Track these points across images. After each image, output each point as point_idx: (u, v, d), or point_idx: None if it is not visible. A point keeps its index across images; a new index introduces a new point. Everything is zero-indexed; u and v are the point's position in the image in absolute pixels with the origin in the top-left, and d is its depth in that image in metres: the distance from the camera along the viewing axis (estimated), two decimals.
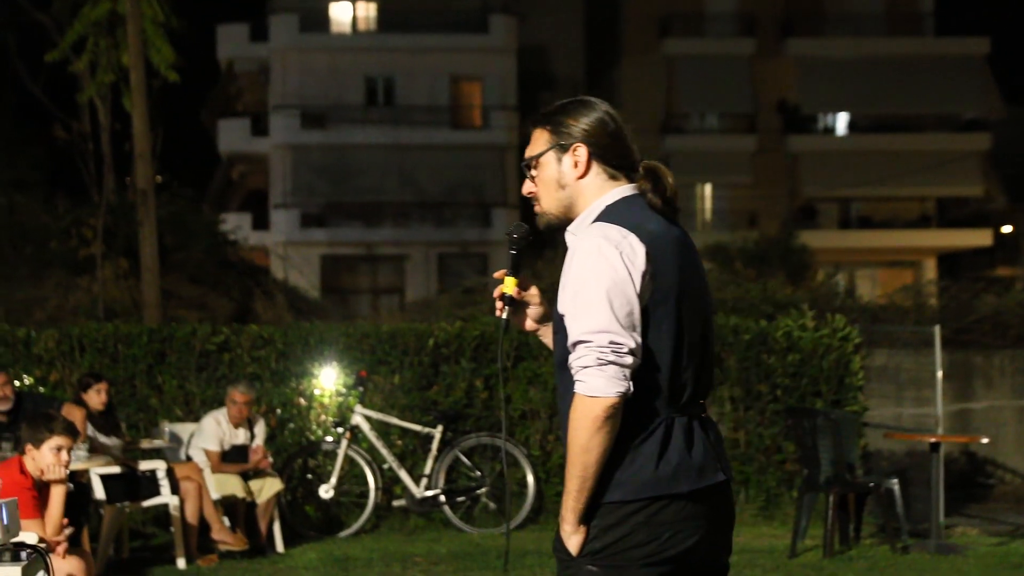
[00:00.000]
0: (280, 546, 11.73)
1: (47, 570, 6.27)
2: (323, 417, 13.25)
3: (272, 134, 44.35)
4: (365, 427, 12.87)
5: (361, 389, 13.01)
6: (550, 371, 13.33)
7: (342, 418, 13.05)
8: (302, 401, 13.25)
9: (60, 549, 7.38)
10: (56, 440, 7.55)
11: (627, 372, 3.63)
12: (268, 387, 13.11)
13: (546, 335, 4.13)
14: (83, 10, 21.48)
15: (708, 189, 46.95)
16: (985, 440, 13.49)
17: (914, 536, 12.03)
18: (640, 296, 3.68)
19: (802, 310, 14.12)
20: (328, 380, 13.25)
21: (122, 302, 21.37)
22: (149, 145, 18.39)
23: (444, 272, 42.83)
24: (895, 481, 11.68)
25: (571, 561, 3.79)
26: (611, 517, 3.72)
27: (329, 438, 13.05)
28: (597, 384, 3.61)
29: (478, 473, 13.09)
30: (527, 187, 4.03)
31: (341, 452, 12.78)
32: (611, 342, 3.62)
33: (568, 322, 3.73)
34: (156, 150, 19.80)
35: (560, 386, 3.86)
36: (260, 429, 11.98)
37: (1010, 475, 17.21)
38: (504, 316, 4.10)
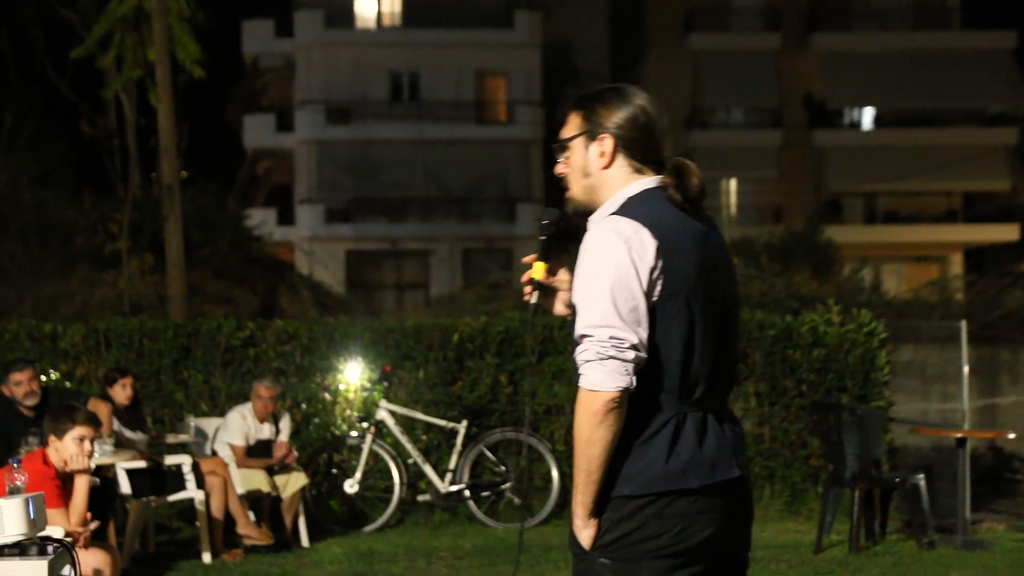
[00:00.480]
0: (305, 540, 11.75)
1: (73, 564, 6.30)
2: (348, 412, 13.27)
3: (297, 129, 44.42)
4: (390, 422, 12.88)
5: (386, 384, 13.02)
6: (575, 366, 13.30)
7: (367, 413, 13.07)
8: (327, 396, 13.27)
9: (82, 539, 7.40)
10: (79, 430, 7.58)
11: (629, 367, 3.64)
12: (293, 382, 13.14)
13: None
14: (109, 6, 21.51)
15: (733, 184, 46.85)
16: (1012, 435, 13.42)
17: (940, 532, 11.99)
18: (647, 292, 3.68)
19: (827, 305, 14.08)
20: (353, 375, 13.27)
21: (147, 297, 21.44)
22: (175, 141, 18.43)
23: (469, 267, 42.85)
24: (921, 476, 11.64)
25: (584, 555, 3.82)
26: (622, 511, 3.73)
27: (354, 433, 13.06)
28: (597, 378, 3.63)
29: (502, 468, 13.08)
30: (559, 168, 4.05)
31: (366, 447, 12.79)
32: (611, 337, 3.63)
33: (576, 314, 3.75)
34: (182, 146, 19.84)
35: (575, 376, 3.86)
36: (285, 424, 12.00)
37: None
38: (533, 301, 4.15)
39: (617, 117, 3.89)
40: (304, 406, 13.17)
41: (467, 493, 12.91)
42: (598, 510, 3.76)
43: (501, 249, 43.46)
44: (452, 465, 12.93)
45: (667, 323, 3.71)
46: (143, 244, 22.89)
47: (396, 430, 12.88)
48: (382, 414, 12.87)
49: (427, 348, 13.35)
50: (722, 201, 45.88)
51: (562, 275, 4.15)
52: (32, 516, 6.10)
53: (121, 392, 11.13)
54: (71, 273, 22.67)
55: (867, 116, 48.12)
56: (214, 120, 47.68)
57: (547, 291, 4.18)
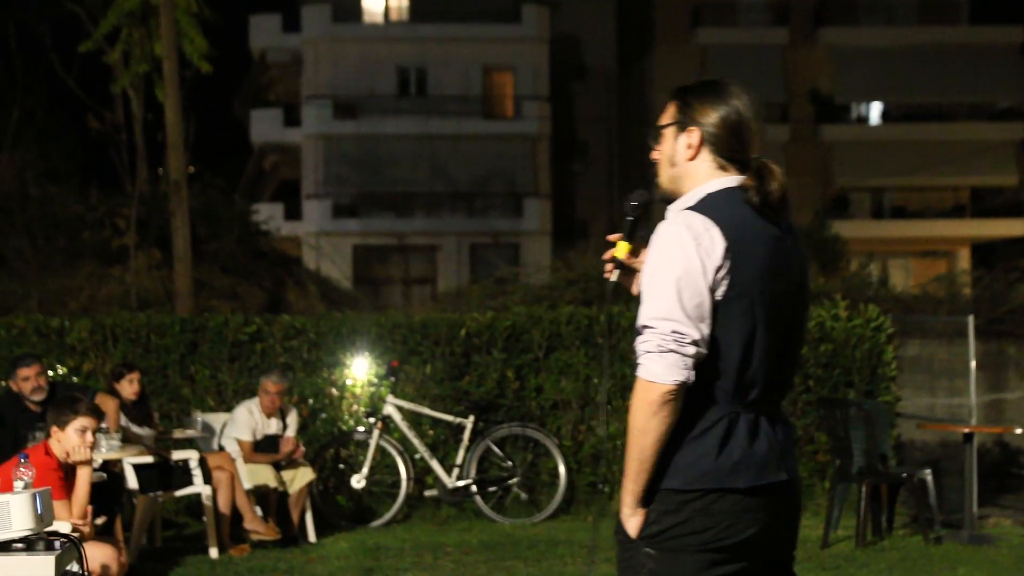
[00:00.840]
0: (312, 536, 11.76)
1: (80, 559, 6.30)
2: (355, 407, 13.28)
3: (304, 124, 44.42)
4: (397, 417, 12.89)
5: (393, 379, 13.04)
6: (582, 361, 13.33)
7: (374, 408, 13.08)
8: (334, 391, 13.28)
9: (86, 531, 7.41)
10: (81, 421, 7.58)
11: (688, 362, 3.67)
12: (300, 377, 13.15)
13: None
14: (117, 0, 21.52)
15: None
16: (1019, 430, 13.41)
17: (947, 527, 11.99)
18: (712, 289, 3.71)
19: (835, 300, 14.07)
20: (360, 370, 13.27)
21: (155, 292, 21.44)
22: (182, 135, 18.44)
23: (476, 262, 42.84)
24: (928, 471, 11.64)
25: (630, 544, 3.84)
26: (669, 503, 3.76)
27: (361, 428, 13.07)
28: (656, 370, 3.66)
29: (509, 463, 13.09)
30: (655, 154, 4.08)
31: (373, 442, 12.80)
32: (674, 331, 3.66)
33: (641, 304, 3.78)
34: (189, 140, 19.85)
35: (635, 364, 3.89)
36: (292, 419, 12.01)
37: None
38: (612, 279, 4.20)
39: (709, 112, 3.93)
40: (311, 401, 13.18)
41: (474, 488, 12.92)
42: (646, 500, 3.79)
43: (508, 244, 43.45)
44: (459, 460, 12.94)
45: (730, 322, 3.74)
46: (150, 239, 22.89)
47: (403, 425, 12.89)
48: (389, 409, 12.88)
49: (434, 343, 13.36)
50: None
51: (644, 257, 4.16)
52: (39, 511, 6.11)
53: (128, 387, 11.13)
54: (78, 268, 22.67)
55: (874, 111, 48.06)
56: (221, 115, 47.79)
57: (627, 271, 4.21)
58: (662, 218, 3.89)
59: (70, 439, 7.58)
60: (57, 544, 6.15)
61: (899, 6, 46.68)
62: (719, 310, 3.73)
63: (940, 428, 14.08)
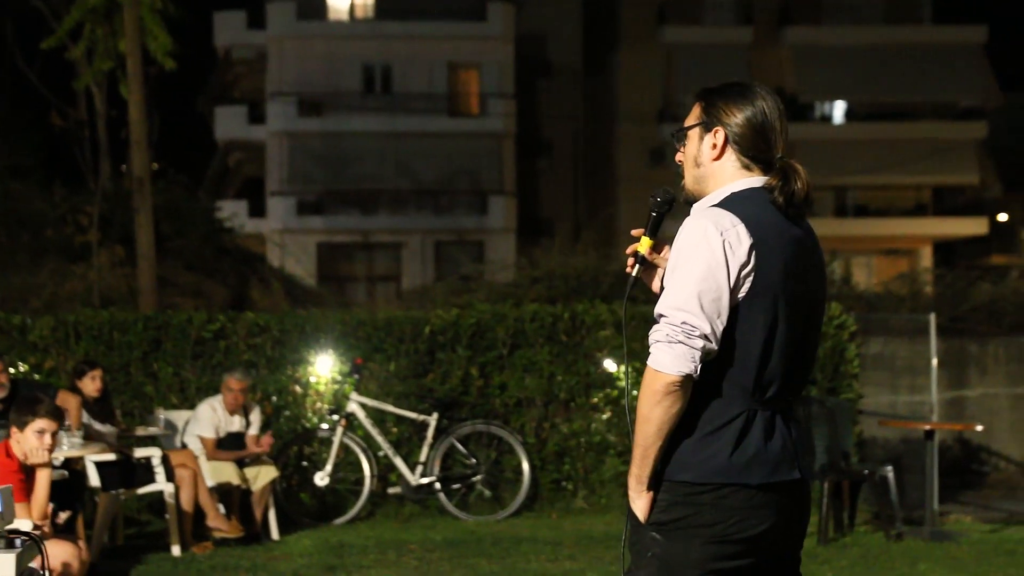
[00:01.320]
0: (275, 533, 11.75)
1: (42, 557, 6.28)
2: (319, 404, 13.26)
3: (269, 121, 44.31)
4: (360, 415, 12.88)
5: (357, 376, 13.03)
6: (546, 359, 13.36)
7: (338, 405, 13.07)
8: (298, 388, 13.26)
9: (46, 531, 7.38)
10: (40, 423, 7.55)
11: (696, 355, 3.69)
12: (264, 374, 13.13)
13: None
14: None
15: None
16: (979, 428, 13.51)
17: (908, 523, 12.06)
18: (733, 287, 3.74)
19: None
20: (324, 368, 13.26)
21: (118, 289, 21.35)
22: (145, 132, 18.37)
23: (441, 260, 42.83)
24: (889, 468, 11.71)
25: (639, 527, 3.88)
26: (680, 495, 3.81)
27: (324, 425, 13.06)
28: (663, 360, 3.70)
29: (473, 460, 13.11)
30: (678, 156, 4.12)
31: (336, 439, 12.79)
32: (684, 322, 3.70)
33: (662, 295, 3.82)
34: (153, 137, 19.80)
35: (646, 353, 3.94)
36: (255, 417, 12.00)
37: (1004, 462, 17.25)
38: (633, 274, 4.21)
39: (734, 113, 3.95)
40: (275, 398, 13.15)
41: (438, 486, 12.93)
42: (653, 485, 3.83)
43: (473, 242, 43.44)
44: (423, 458, 12.95)
45: (751, 320, 3.78)
46: (113, 236, 22.79)
47: (367, 423, 12.89)
48: (353, 407, 12.87)
49: (398, 341, 13.36)
50: None
51: (666, 254, 4.20)
52: (0, 509, 6.08)
53: (90, 384, 11.09)
54: (40, 265, 22.55)
55: (838, 110, 48.27)
56: (185, 112, 47.56)
57: (648, 267, 4.23)
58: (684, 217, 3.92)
59: (29, 441, 7.54)
60: (18, 542, 6.12)
61: (863, 6, 46.88)
62: (741, 307, 3.76)
63: (902, 425, 14.18)
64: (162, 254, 21.05)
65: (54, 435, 7.70)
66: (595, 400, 13.41)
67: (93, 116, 27.07)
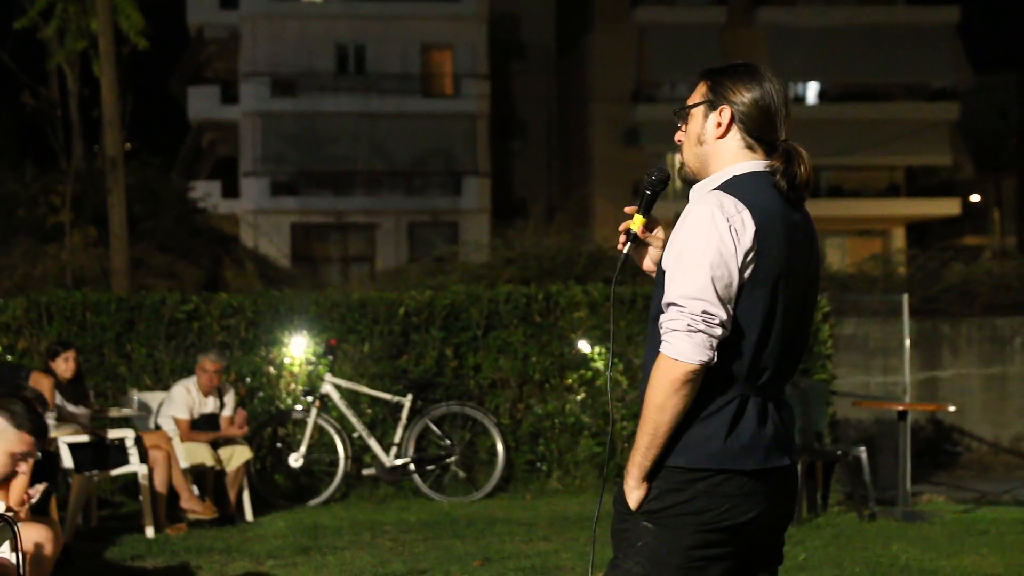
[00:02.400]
0: (249, 515, 11.73)
1: (15, 539, 6.26)
2: (293, 386, 13.24)
3: (242, 101, 44.14)
4: (335, 396, 12.87)
5: (331, 358, 13.01)
6: (520, 340, 13.37)
7: (312, 387, 13.05)
8: (272, 370, 13.24)
9: (21, 515, 7.35)
10: None
11: (714, 342, 3.69)
12: (238, 356, 13.10)
13: None
14: None
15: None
16: (952, 408, 13.56)
17: (881, 504, 12.11)
18: (740, 272, 3.73)
19: None
20: (298, 349, 13.24)
21: (91, 270, 21.28)
22: (118, 112, 18.28)
23: (414, 241, 42.78)
24: (862, 449, 11.75)
25: (628, 515, 3.86)
26: (673, 481, 3.79)
27: (299, 407, 13.05)
28: (683, 348, 3.67)
29: (448, 442, 13.11)
30: (678, 135, 4.11)
31: (311, 421, 12.78)
32: (704, 311, 3.68)
33: (667, 282, 3.78)
34: (125, 117, 19.66)
35: (650, 339, 3.90)
36: (230, 398, 11.98)
37: (976, 443, 17.34)
38: (625, 251, 4.18)
39: (742, 92, 3.94)
40: (249, 380, 13.14)
41: (412, 467, 12.94)
42: (650, 475, 3.81)
43: (447, 223, 43.40)
44: (397, 439, 12.95)
45: (752, 305, 3.77)
46: (86, 216, 22.72)
47: (341, 404, 12.88)
48: (327, 388, 12.86)
49: (372, 322, 13.34)
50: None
51: (658, 233, 4.19)
52: None
53: (64, 366, 11.06)
54: (12, 245, 22.47)
55: (811, 91, 48.31)
56: (158, 91, 47.35)
57: (640, 245, 4.22)
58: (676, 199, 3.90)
59: None
60: None
61: None
62: (743, 293, 3.75)
63: (875, 406, 14.23)
64: (135, 235, 21.00)
65: None
66: (569, 381, 13.42)
67: (65, 96, 26.93)
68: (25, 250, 22.17)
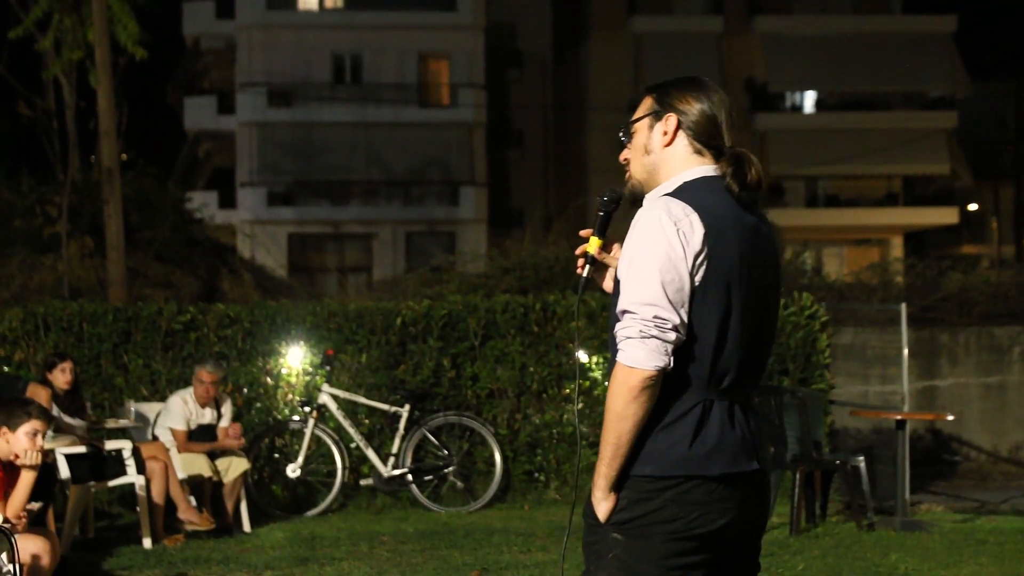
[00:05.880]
0: (247, 525, 11.71)
1: (12, 551, 6.24)
2: (290, 396, 13.22)
3: (238, 112, 44.16)
4: (332, 406, 12.85)
5: (328, 368, 12.99)
6: (518, 350, 13.35)
7: (309, 397, 13.03)
8: (269, 380, 13.22)
9: (19, 528, 7.34)
10: (33, 424, 7.52)
11: (668, 347, 3.66)
12: (235, 366, 13.08)
13: None
14: None
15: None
16: (950, 417, 13.57)
17: (880, 513, 12.09)
18: (691, 275, 3.71)
19: None
20: (295, 359, 13.22)
21: (87, 281, 21.26)
22: (114, 123, 18.26)
23: (412, 250, 42.77)
24: (861, 458, 11.73)
25: (598, 527, 3.84)
26: (641, 490, 3.76)
27: (296, 417, 13.03)
28: (637, 355, 3.65)
29: (445, 452, 13.09)
30: (623, 154, 4.08)
31: (308, 431, 12.76)
32: (656, 316, 3.65)
33: (621, 290, 3.77)
34: (121, 128, 19.65)
35: (612, 350, 3.86)
36: (227, 408, 11.96)
37: (975, 452, 17.33)
38: (584, 274, 4.17)
39: (686, 100, 3.94)
40: (246, 390, 13.12)
41: (410, 477, 12.91)
42: (617, 485, 3.78)
43: (444, 232, 43.39)
44: (395, 449, 12.93)
45: (706, 309, 3.74)
46: (82, 227, 22.69)
47: (338, 414, 12.86)
48: (324, 398, 12.84)
49: (369, 332, 13.33)
50: None
51: (616, 252, 4.16)
52: None
53: (61, 377, 11.05)
54: (9, 256, 22.44)
55: (808, 99, 48.36)
56: (154, 102, 47.38)
57: (599, 266, 4.20)
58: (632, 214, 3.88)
59: (20, 442, 7.51)
60: None
61: None
62: (696, 296, 3.72)
63: (873, 415, 14.21)
64: (132, 245, 20.97)
65: (43, 436, 7.67)
66: (567, 391, 13.40)
67: (61, 106, 26.86)
68: (21, 261, 22.14)
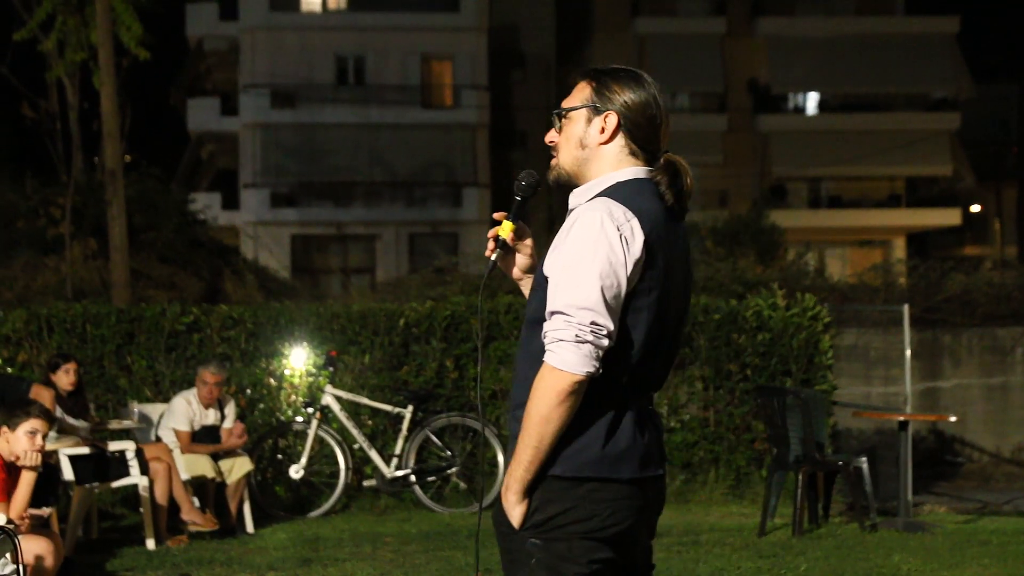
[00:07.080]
0: (250, 526, 11.71)
1: (15, 551, 6.25)
2: (293, 397, 13.23)
3: (242, 113, 44.19)
4: (335, 407, 12.85)
5: (331, 369, 13.00)
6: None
7: (312, 398, 13.03)
8: (272, 381, 13.22)
9: (22, 529, 7.35)
10: (32, 423, 7.53)
11: (600, 353, 3.61)
12: (238, 367, 13.09)
13: (526, 286, 4.10)
14: None
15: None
16: (953, 418, 13.55)
17: (882, 514, 12.09)
18: (629, 281, 3.65)
19: (772, 289, 14.14)
20: (298, 360, 13.23)
21: (91, 282, 21.28)
22: (118, 124, 18.29)
23: (415, 252, 42.79)
24: (864, 459, 11.73)
25: (513, 534, 3.78)
26: (551, 490, 3.71)
27: (299, 418, 13.03)
28: (570, 359, 3.58)
29: (448, 453, 13.08)
30: (550, 136, 3.98)
31: (311, 432, 12.76)
32: (592, 322, 3.59)
33: (552, 288, 3.69)
34: (125, 129, 19.71)
35: (524, 341, 3.82)
36: (230, 410, 11.96)
37: (978, 453, 17.32)
38: (493, 258, 4.09)
39: (627, 98, 3.85)
40: (249, 391, 13.12)
41: (413, 478, 12.91)
42: (529, 489, 3.73)
43: (447, 234, 43.41)
44: (398, 450, 12.92)
45: (635, 316, 3.69)
46: (86, 228, 22.72)
47: (342, 415, 12.86)
48: (328, 399, 12.84)
49: (373, 333, 13.33)
50: None
51: (528, 241, 4.11)
52: None
53: (64, 378, 11.06)
54: (12, 257, 22.48)
55: (811, 101, 48.38)
56: (158, 103, 47.41)
57: (508, 252, 4.12)
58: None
59: (20, 442, 7.52)
60: None
61: None
62: (629, 303, 3.67)
63: (876, 416, 14.21)
64: (135, 246, 20.99)
65: (44, 436, 7.68)
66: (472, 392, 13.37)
67: (65, 108, 26.92)
68: (25, 262, 22.17)
